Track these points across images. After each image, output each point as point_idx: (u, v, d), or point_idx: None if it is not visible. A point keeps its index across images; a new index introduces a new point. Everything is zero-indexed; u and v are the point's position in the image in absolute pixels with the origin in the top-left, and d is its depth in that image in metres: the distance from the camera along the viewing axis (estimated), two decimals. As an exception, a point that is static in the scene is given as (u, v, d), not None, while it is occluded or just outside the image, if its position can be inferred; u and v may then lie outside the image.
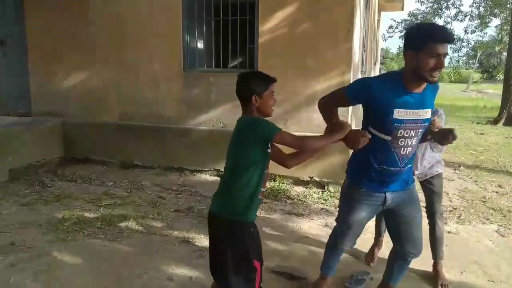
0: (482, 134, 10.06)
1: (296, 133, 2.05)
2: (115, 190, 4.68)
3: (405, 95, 2.00)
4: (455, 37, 1.97)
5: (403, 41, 2.05)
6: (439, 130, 2.25)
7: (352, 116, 5.17)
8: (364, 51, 6.46)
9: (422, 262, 2.81)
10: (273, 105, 2.01)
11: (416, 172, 2.78)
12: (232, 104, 5.25)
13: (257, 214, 2.07)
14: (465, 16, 18.73)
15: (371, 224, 2.98)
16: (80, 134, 5.80)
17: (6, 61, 6.05)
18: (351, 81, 4.79)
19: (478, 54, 33.42)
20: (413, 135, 2.07)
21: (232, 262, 1.93)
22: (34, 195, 4.42)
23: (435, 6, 19.58)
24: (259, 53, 5.06)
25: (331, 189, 4.71)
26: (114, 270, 2.90)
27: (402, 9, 11.92)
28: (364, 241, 3.19)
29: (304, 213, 4.10)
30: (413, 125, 2.04)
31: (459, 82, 37.88)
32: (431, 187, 2.86)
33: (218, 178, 5.20)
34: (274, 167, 2.13)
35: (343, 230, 2.40)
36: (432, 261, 2.91)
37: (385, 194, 2.20)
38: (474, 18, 18.51)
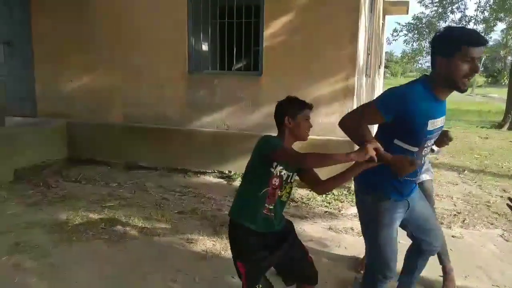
0: (487, 138, 10.01)
1: None
2: (119, 191, 4.69)
3: (436, 104, 1.89)
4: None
5: (430, 47, 1.90)
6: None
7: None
8: (369, 54, 6.46)
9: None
10: (307, 129, 2.01)
11: None
12: (236, 106, 5.28)
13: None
14: (470, 20, 18.68)
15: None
16: (85, 135, 5.83)
17: (13, 62, 6.08)
18: (355, 85, 4.83)
19: (483, 58, 33.32)
20: (432, 143, 2.03)
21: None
22: (38, 196, 4.44)
23: (440, 10, 19.53)
24: (264, 56, 5.08)
25: (335, 192, 4.70)
26: (118, 271, 2.92)
27: (407, 12, 11.88)
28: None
29: (307, 216, 4.09)
30: (436, 133, 1.99)
31: (463, 86, 37.69)
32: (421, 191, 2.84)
33: (222, 180, 5.23)
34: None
35: (386, 255, 2.05)
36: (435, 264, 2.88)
37: (407, 201, 2.10)
38: (479, 22, 18.44)
